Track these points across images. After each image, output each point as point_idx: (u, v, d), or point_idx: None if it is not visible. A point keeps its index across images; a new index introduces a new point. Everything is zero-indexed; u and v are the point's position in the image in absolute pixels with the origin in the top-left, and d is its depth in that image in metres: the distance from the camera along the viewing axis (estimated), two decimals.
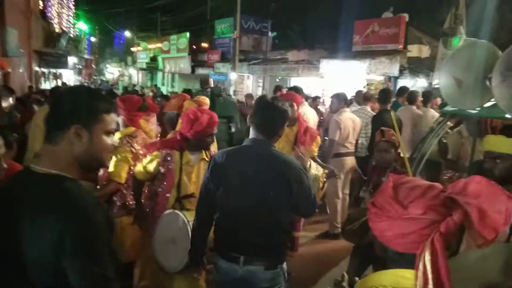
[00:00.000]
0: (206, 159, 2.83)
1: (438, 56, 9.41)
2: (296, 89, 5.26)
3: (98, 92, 1.66)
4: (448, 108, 3.80)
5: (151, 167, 2.76)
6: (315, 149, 4.14)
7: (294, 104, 4.08)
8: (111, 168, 2.86)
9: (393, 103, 6.87)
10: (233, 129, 8.78)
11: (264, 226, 2.14)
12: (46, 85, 18.75)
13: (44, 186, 1.26)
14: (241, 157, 2.19)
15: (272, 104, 2.18)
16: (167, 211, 2.61)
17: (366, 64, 10.84)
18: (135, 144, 3.03)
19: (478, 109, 3.50)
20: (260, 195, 2.11)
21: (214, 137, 3.00)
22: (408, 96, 6.38)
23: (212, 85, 7.83)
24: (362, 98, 6.78)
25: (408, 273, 1.09)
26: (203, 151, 2.85)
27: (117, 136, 3.15)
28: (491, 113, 3.39)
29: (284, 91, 8.96)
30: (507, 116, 3.17)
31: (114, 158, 2.89)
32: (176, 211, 2.57)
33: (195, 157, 2.79)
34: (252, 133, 2.20)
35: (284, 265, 2.25)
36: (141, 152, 3.07)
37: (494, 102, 3.27)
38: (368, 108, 6.32)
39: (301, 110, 4.86)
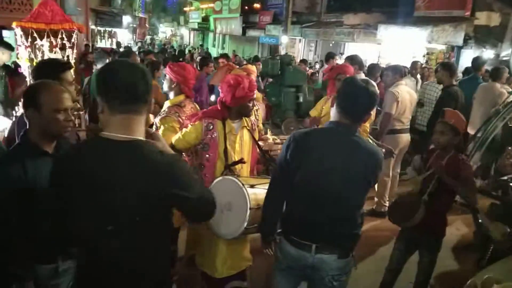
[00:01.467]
0: (247, 127, 2.82)
1: (509, 25, 8.62)
2: (352, 59, 5.01)
3: None
4: None
5: (191, 136, 2.74)
6: (367, 125, 4.00)
7: (347, 76, 3.93)
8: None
9: (471, 76, 6.38)
10: (301, 99, 8.69)
11: (342, 215, 2.08)
12: (102, 44, 19.36)
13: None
14: (325, 140, 2.09)
15: (365, 89, 2.02)
16: (218, 178, 2.59)
17: (427, 32, 10.14)
18: (183, 114, 3.04)
19: None
20: (341, 183, 2.03)
21: (256, 104, 2.96)
22: (493, 71, 5.80)
23: (282, 53, 7.69)
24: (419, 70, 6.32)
25: None
26: (245, 119, 2.80)
27: (166, 105, 3.19)
28: None
29: (337, 59, 8.61)
30: None
31: (162, 127, 2.93)
32: (229, 177, 2.56)
33: (237, 125, 2.76)
34: (336, 116, 2.09)
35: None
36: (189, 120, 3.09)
37: None
38: (436, 83, 5.83)
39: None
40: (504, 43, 9.59)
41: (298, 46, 18.83)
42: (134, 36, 30.38)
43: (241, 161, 2.69)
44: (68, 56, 4.22)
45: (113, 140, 1.41)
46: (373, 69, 5.83)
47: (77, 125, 3.58)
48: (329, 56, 7.64)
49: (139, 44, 27.21)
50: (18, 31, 3.99)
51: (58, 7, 4.35)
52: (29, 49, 3.99)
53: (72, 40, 4.13)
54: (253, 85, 2.70)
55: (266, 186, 2.34)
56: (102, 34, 22.07)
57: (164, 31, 43.72)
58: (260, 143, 3.04)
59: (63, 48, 4.18)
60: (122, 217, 1.42)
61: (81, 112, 4.11)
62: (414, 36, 10.40)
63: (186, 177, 1.50)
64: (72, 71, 2.51)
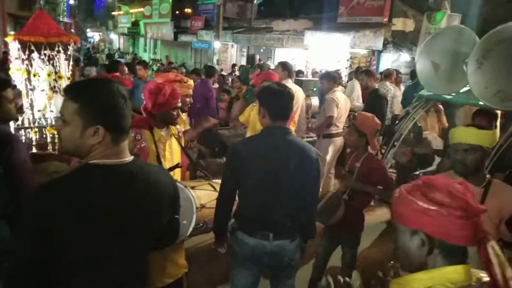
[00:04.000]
0: (175, 135, 2.80)
1: (422, 30, 9.36)
2: (284, 65, 5.09)
3: None
4: (424, 93, 3.82)
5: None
6: (292, 129, 4.14)
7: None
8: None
9: (415, 82, 6.92)
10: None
11: (292, 206, 2.34)
12: None
13: None
14: (265, 143, 2.32)
15: (284, 90, 2.32)
16: None
17: (350, 37, 10.73)
18: None
19: (453, 94, 3.53)
20: (289, 178, 2.27)
21: (180, 112, 2.96)
22: (385, 71, 6.67)
23: (214, 59, 7.61)
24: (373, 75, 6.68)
25: (459, 271, 1.14)
26: (171, 127, 2.78)
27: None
28: (466, 99, 3.43)
29: (267, 64, 8.65)
30: (480, 103, 3.21)
31: None
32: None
33: (165, 133, 2.73)
34: (269, 121, 2.31)
35: None
36: None
37: (469, 88, 3.29)
38: (388, 83, 6.60)
39: (291, 87, 4.77)
40: (418, 47, 10.39)
41: (230, 51, 18.96)
42: None
43: (177, 166, 2.64)
44: (58, 68, 4.18)
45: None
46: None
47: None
48: (252, 60, 7.63)
49: None
50: (15, 44, 3.93)
51: (53, 20, 4.32)
52: (26, 62, 3.97)
53: (68, 52, 4.17)
54: (176, 94, 2.68)
55: (204, 187, 2.51)
56: None
57: (92, 36, 41.85)
58: None
59: (50, 59, 4.14)
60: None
61: None
62: (338, 41, 10.93)
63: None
64: (9, 89, 2.34)
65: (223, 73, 11.45)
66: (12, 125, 3.80)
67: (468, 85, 3.33)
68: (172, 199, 1.56)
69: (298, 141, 2.37)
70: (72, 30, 31.08)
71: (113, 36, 36.27)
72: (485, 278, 1.15)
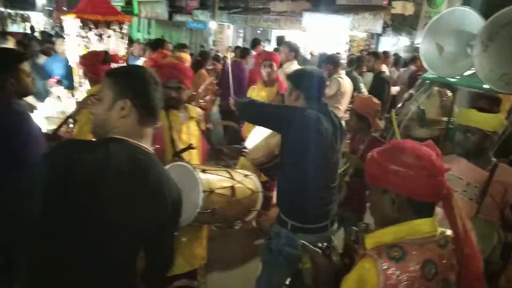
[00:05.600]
0: (195, 118, 2.70)
1: (421, 14, 9.29)
2: (291, 46, 4.93)
3: None
4: (428, 75, 3.79)
5: None
6: None
7: (274, 64, 3.96)
8: (75, 132, 2.75)
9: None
10: None
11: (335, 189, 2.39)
12: (14, 28, 17.74)
13: None
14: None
15: (318, 74, 2.38)
16: (167, 166, 2.37)
17: (349, 20, 10.60)
18: None
19: (458, 77, 3.50)
20: (330, 161, 2.29)
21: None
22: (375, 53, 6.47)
23: (210, 40, 7.50)
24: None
25: (425, 222, 1.28)
26: (191, 110, 2.68)
27: (83, 96, 3.04)
28: (470, 83, 3.40)
29: (265, 46, 8.52)
30: (485, 86, 3.18)
31: (79, 121, 2.77)
32: (178, 163, 2.40)
33: (183, 115, 2.62)
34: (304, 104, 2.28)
35: None
36: None
37: (474, 71, 3.27)
38: (384, 66, 6.49)
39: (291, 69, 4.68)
40: (418, 30, 10.33)
41: (227, 32, 18.69)
42: (51, 20, 28.17)
43: (190, 147, 2.51)
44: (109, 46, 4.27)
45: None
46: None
47: None
48: (256, 43, 7.40)
49: (57, 28, 25.32)
50: (76, 22, 4.02)
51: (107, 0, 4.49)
52: (86, 39, 4.10)
53: (123, 31, 4.29)
54: (175, 68, 2.61)
55: (219, 173, 2.35)
56: (13, 18, 20.20)
57: None
58: None
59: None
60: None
61: None
62: (336, 24, 10.81)
63: None
64: (26, 63, 2.28)
65: (219, 54, 11.29)
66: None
67: (472, 68, 3.30)
68: (172, 210, 1.46)
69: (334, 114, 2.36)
70: (64, 8, 30.43)
71: None
72: (448, 232, 1.31)
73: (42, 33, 15.58)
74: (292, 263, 2.30)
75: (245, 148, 2.92)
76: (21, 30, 18.58)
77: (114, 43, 4.24)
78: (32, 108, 4.21)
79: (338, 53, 8.58)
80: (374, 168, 1.32)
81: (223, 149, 2.93)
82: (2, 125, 2.01)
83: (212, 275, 3.14)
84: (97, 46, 4.17)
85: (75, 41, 4.16)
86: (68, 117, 3.01)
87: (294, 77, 2.37)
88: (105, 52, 3.30)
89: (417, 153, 1.27)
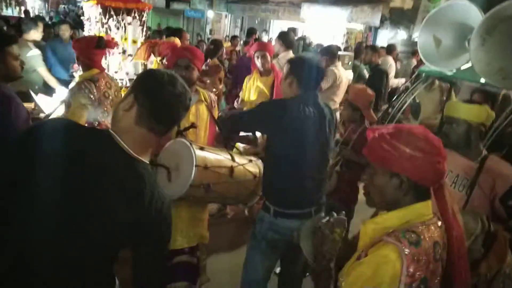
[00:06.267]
0: (206, 102, 2.76)
1: (420, 8, 9.24)
2: (286, 35, 4.92)
3: None
4: (425, 68, 3.77)
5: None
6: None
7: (267, 53, 3.93)
8: (68, 117, 2.72)
9: None
10: None
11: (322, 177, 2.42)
12: (8, 12, 17.48)
13: None
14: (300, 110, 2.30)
15: (314, 60, 2.44)
16: (168, 142, 2.49)
17: (347, 12, 10.53)
18: (95, 90, 2.86)
19: (454, 71, 3.49)
20: (320, 150, 2.33)
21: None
22: (388, 46, 6.81)
23: (207, 29, 7.43)
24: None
25: (426, 205, 1.31)
26: (202, 93, 2.75)
27: (75, 80, 3.02)
28: (467, 76, 3.38)
29: (262, 36, 8.42)
30: (482, 81, 3.17)
31: (72, 105, 2.74)
32: (178, 139, 2.48)
33: (192, 98, 2.68)
34: (297, 90, 2.32)
35: None
36: (105, 96, 2.93)
37: (471, 65, 3.25)
38: (390, 58, 6.76)
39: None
40: (416, 25, 10.27)
41: (224, 21, 18.55)
42: (47, 5, 27.79)
43: (192, 126, 2.56)
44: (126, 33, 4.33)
45: None
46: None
47: None
48: (251, 32, 7.24)
49: (52, 13, 25.01)
50: (97, 9, 4.07)
51: None
52: (106, 26, 4.16)
53: (143, 19, 4.33)
54: (183, 48, 2.80)
55: (219, 153, 2.42)
56: (8, 1, 19.87)
57: (80, 0, 40.59)
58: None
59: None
60: None
61: None
62: (335, 16, 10.75)
63: None
64: (15, 46, 2.23)
65: None
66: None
67: (469, 62, 3.28)
68: (155, 219, 1.32)
69: (324, 105, 2.39)
70: None
71: None
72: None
73: (37, 17, 15.37)
74: (275, 248, 2.36)
75: (256, 137, 2.96)
76: (16, 14, 18.31)
77: (133, 30, 4.28)
78: (51, 92, 4.23)
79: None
80: (385, 151, 1.28)
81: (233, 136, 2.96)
82: None
83: None
84: (116, 33, 4.21)
85: (95, 28, 4.20)
86: (61, 102, 2.99)
87: (292, 62, 2.40)
88: (99, 37, 3.26)
89: (430, 138, 1.28)
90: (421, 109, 4.31)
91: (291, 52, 4.63)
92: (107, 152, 1.27)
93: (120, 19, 4.17)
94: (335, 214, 1.62)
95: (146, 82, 1.33)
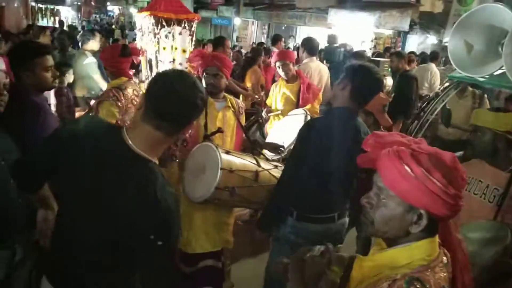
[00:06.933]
0: (233, 109, 2.83)
1: (451, 12, 9.03)
2: (309, 41, 4.91)
3: None
4: (456, 74, 3.66)
5: None
6: (317, 107, 4.05)
7: (287, 62, 3.93)
8: None
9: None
10: None
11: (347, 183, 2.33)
12: (44, 22, 18.20)
13: None
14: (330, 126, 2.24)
15: (373, 72, 2.25)
16: (196, 146, 2.60)
17: (375, 17, 10.41)
18: (122, 98, 2.94)
19: (487, 77, 3.37)
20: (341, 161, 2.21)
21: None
22: (431, 53, 6.91)
23: (233, 36, 7.58)
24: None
25: (434, 242, 1.10)
26: (230, 100, 2.84)
27: (103, 88, 3.11)
28: (500, 82, 3.27)
29: (288, 42, 8.41)
30: None
31: (99, 113, 2.83)
32: (205, 143, 2.57)
33: (220, 104, 2.79)
34: (342, 101, 2.23)
35: None
36: (133, 104, 3.00)
37: (504, 71, 3.14)
38: (433, 65, 6.71)
39: (314, 66, 4.64)
40: (447, 29, 10.05)
41: (251, 28, 18.68)
42: (79, 15, 28.79)
43: (219, 130, 2.66)
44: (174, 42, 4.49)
45: None
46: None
47: None
48: (276, 39, 7.12)
49: (84, 23, 25.91)
50: (149, 19, 4.28)
51: None
52: (158, 36, 4.34)
53: (192, 29, 4.52)
54: (213, 55, 2.82)
55: (245, 158, 2.48)
56: (43, 12, 20.74)
57: (112, 9, 41.77)
58: None
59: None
60: None
61: None
62: (362, 21, 10.63)
63: None
64: (47, 57, 2.28)
65: (243, 50, 11.28)
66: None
67: (502, 68, 3.17)
68: (163, 216, 1.33)
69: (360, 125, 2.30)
70: (92, 3, 31.09)
71: (133, 11, 36.10)
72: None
73: (70, 27, 15.96)
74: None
75: (282, 146, 2.99)
76: (50, 24, 19.07)
77: (182, 40, 4.43)
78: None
79: (364, 51, 8.44)
80: (409, 179, 1.04)
81: (259, 142, 3.02)
82: (18, 113, 2.01)
83: None
84: (166, 43, 4.38)
85: (149, 38, 4.39)
86: (89, 110, 3.07)
87: (348, 70, 2.32)
88: (124, 45, 3.34)
89: (459, 168, 1.07)
90: (452, 116, 4.18)
91: (314, 58, 4.62)
92: (114, 146, 1.34)
93: (170, 29, 4.33)
94: (331, 246, 1.35)
95: (154, 81, 1.38)
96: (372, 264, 1.14)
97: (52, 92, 4.28)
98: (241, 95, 5.36)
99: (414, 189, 1.04)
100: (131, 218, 1.29)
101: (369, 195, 1.17)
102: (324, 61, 7.40)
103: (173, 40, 4.37)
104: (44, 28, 6.17)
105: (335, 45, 8.36)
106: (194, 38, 4.60)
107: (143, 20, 4.39)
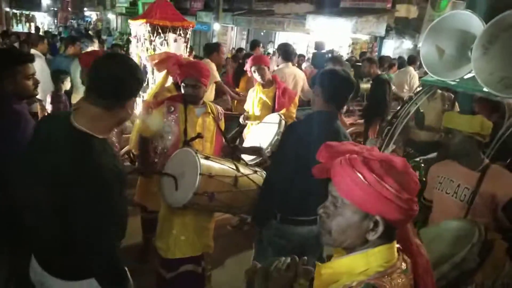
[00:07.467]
0: (213, 114, 2.85)
1: (425, 17, 9.27)
2: (279, 49, 5.00)
3: None
4: (428, 78, 3.77)
5: (155, 121, 2.78)
6: (293, 111, 4.09)
7: (262, 66, 3.97)
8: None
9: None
10: None
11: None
12: (19, 28, 17.85)
13: None
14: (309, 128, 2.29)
15: (339, 75, 2.29)
16: (175, 152, 2.61)
17: (352, 22, 10.60)
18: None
19: (458, 80, 3.49)
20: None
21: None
22: (409, 57, 7.06)
23: (212, 41, 7.65)
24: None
25: (392, 248, 1.09)
26: (209, 106, 2.86)
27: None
28: (469, 86, 3.38)
29: (268, 48, 8.49)
30: (484, 90, 3.17)
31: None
32: (186, 148, 2.58)
33: (200, 110, 2.81)
34: (319, 105, 2.29)
35: None
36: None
37: (473, 75, 3.25)
38: (412, 69, 6.91)
39: (288, 71, 4.72)
40: (421, 34, 10.30)
41: (230, 34, 18.74)
42: (56, 21, 28.32)
43: (198, 136, 2.69)
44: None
45: None
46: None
47: None
48: (254, 44, 7.02)
49: (61, 29, 25.50)
50: (145, 27, 4.32)
51: (173, 6, 4.73)
52: (153, 43, 4.43)
53: (187, 36, 4.60)
54: (194, 66, 2.81)
55: (224, 163, 2.49)
56: (18, 18, 20.34)
57: (89, 15, 41.25)
58: None
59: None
60: None
61: None
62: (340, 26, 10.81)
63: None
64: (29, 65, 2.28)
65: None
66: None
67: (472, 72, 3.29)
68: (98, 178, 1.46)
69: (340, 127, 2.34)
70: (69, 9, 30.67)
71: (111, 16, 35.70)
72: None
73: (46, 33, 15.68)
74: (280, 254, 2.36)
75: (261, 148, 3.03)
76: (26, 30, 18.70)
77: (177, 47, 4.51)
78: None
79: (341, 56, 8.61)
80: (363, 187, 1.02)
81: (239, 147, 3.04)
82: None
83: None
84: (161, 49, 4.43)
85: (144, 45, 4.46)
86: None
87: (320, 75, 2.39)
88: (106, 51, 3.34)
89: (412, 173, 1.06)
90: (425, 119, 4.31)
91: (290, 64, 4.68)
92: (62, 128, 1.51)
93: (166, 36, 4.41)
94: (304, 259, 1.31)
95: (93, 63, 1.53)
96: (330, 272, 1.12)
97: (48, 99, 4.26)
98: (235, 101, 5.42)
99: (368, 196, 1.02)
100: (73, 184, 1.43)
101: (326, 205, 1.15)
102: (313, 67, 7.49)
103: (167, 47, 4.44)
104: (42, 38, 6.07)
105: (323, 51, 8.49)
106: (188, 45, 4.68)
107: (138, 28, 4.44)
